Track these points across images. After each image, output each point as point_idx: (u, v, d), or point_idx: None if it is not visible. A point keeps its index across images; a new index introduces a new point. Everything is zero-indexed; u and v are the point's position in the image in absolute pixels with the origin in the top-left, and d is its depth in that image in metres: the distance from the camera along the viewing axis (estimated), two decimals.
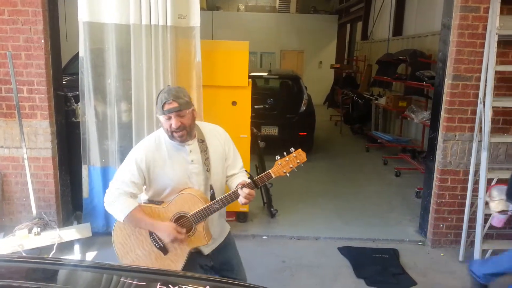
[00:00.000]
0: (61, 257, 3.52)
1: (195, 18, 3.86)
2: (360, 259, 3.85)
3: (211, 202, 2.10)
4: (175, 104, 2.02)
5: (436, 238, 4.17)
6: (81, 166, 4.04)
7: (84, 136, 3.97)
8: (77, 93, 4.02)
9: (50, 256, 3.55)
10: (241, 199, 2.05)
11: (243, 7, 15.49)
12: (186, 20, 3.84)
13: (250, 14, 15.03)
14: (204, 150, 2.16)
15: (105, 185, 4.01)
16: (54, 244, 3.61)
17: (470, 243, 3.91)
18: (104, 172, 4.02)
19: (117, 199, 2.11)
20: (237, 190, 2.07)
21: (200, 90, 3.95)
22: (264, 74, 8.50)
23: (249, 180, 2.11)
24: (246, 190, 2.04)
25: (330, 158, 7.59)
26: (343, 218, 4.80)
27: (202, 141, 2.18)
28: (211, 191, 2.20)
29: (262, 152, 4.86)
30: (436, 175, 4.13)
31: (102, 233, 4.10)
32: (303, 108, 7.45)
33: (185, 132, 2.07)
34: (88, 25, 3.77)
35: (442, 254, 4.05)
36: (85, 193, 4.08)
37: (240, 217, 4.56)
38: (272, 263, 3.76)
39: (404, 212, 5.04)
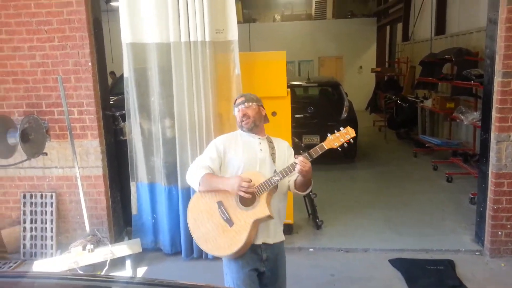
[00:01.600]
0: (113, 274, 3.63)
1: (233, 31, 3.90)
2: (413, 271, 3.67)
3: (273, 175, 2.32)
4: (242, 99, 2.52)
5: (495, 247, 3.91)
6: (130, 183, 4.17)
7: (132, 154, 4.10)
8: (123, 112, 4.17)
9: (104, 272, 3.67)
10: (297, 167, 2.24)
11: (279, 17, 15.55)
12: (224, 34, 3.90)
13: (286, 24, 15.05)
14: (271, 146, 2.50)
15: (153, 201, 4.13)
16: (107, 260, 3.72)
17: None
18: (151, 189, 4.12)
19: (195, 169, 2.42)
20: (294, 162, 2.26)
21: None
22: (303, 82, 8.45)
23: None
24: (301, 158, 2.24)
25: (376, 165, 7.37)
26: (393, 228, 4.62)
27: (270, 142, 2.54)
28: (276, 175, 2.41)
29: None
30: (491, 179, 3.89)
31: (151, 249, 4.19)
32: (344, 115, 7.32)
33: (249, 120, 2.46)
34: (131, 46, 3.91)
35: (503, 265, 3.79)
36: (134, 210, 4.20)
37: (285, 229, 4.47)
38: (320, 277, 3.67)
39: (459, 219, 4.78)
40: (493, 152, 3.83)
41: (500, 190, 3.85)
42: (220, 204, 2.36)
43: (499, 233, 3.91)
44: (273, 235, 2.46)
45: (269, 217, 2.30)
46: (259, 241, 2.39)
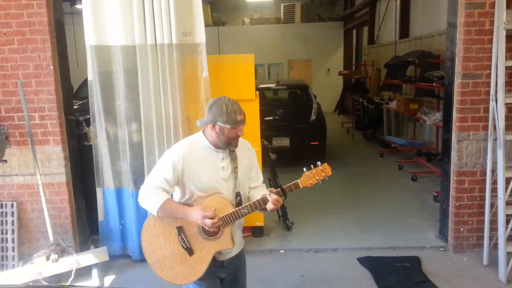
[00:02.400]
0: (79, 284, 3.52)
1: (200, 34, 3.88)
2: (381, 269, 3.76)
3: (241, 207, 2.21)
4: (243, 116, 2.22)
5: (458, 243, 4.06)
6: (95, 189, 4.05)
7: (97, 159, 4.00)
8: (88, 116, 4.06)
9: (69, 282, 3.55)
10: (270, 205, 2.16)
11: (248, 20, 15.60)
12: (191, 37, 3.87)
13: (255, 27, 15.12)
14: (234, 159, 2.29)
15: (120, 207, 4.04)
16: (72, 270, 3.60)
17: (494, 246, 3.79)
18: (118, 194, 4.04)
19: (151, 192, 2.21)
20: (265, 196, 2.18)
21: None
22: (272, 85, 8.50)
23: (275, 190, 2.22)
24: (274, 196, 2.16)
25: (344, 166, 7.50)
26: (361, 227, 4.71)
27: (232, 151, 2.31)
28: (238, 198, 2.30)
29: (274, 164, 4.83)
30: (453, 177, 4.04)
31: (120, 256, 4.09)
32: (313, 117, 7.41)
33: (238, 140, 2.25)
34: (95, 48, 3.82)
35: (465, 259, 3.93)
36: (100, 216, 4.10)
37: (256, 232, 4.51)
38: (291, 278, 3.69)
39: (424, 217, 4.93)
40: (454, 151, 3.98)
41: (462, 188, 3.99)
42: (180, 230, 2.23)
43: (461, 229, 4.05)
44: (237, 245, 2.36)
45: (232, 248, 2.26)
46: (220, 258, 2.32)
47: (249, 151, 2.41)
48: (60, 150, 3.92)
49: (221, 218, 2.18)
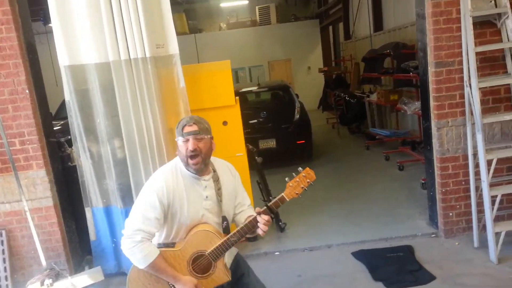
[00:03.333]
0: None
1: (173, 45, 3.87)
2: (375, 261, 3.79)
3: (229, 235, 2.09)
4: (195, 127, 2.05)
5: (448, 228, 4.12)
6: (84, 209, 4.01)
7: (83, 179, 3.96)
8: (69, 137, 4.02)
9: None
10: (261, 226, 2.04)
11: (225, 25, 15.64)
12: (164, 48, 3.86)
13: (232, 32, 15.16)
14: (216, 180, 2.17)
15: (111, 224, 4.01)
16: None
17: (483, 228, 3.85)
18: (107, 212, 4.00)
19: (138, 246, 2.01)
20: (254, 218, 2.06)
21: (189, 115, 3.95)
22: (254, 88, 8.54)
23: (262, 209, 2.10)
24: (265, 217, 2.04)
25: (332, 161, 7.57)
26: (353, 221, 4.75)
27: (214, 172, 2.19)
28: (225, 222, 2.19)
29: (261, 167, 4.84)
30: (437, 164, 4.10)
31: (115, 274, 4.05)
32: (296, 116, 7.46)
33: (200, 159, 2.06)
34: (69, 68, 3.78)
35: (457, 243, 3.99)
36: (92, 236, 4.05)
37: (250, 238, 4.51)
38: (288, 279, 3.70)
39: (413, 205, 4.99)
40: (435, 139, 4.04)
41: (446, 174, 4.05)
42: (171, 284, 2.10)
43: (450, 214, 4.11)
44: (228, 258, 2.30)
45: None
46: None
47: (232, 175, 2.30)
48: (44, 173, 3.88)
49: (209, 253, 2.08)
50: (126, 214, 3.92)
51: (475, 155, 3.84)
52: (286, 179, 2.14)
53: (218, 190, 2.16)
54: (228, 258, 2.28)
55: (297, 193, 2.12)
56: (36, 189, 3.89)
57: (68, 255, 4.07)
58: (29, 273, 3.95)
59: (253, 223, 2.06)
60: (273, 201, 2.11)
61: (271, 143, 7.22)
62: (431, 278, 3.45)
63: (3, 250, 3.91)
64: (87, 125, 3.89)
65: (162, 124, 3.84)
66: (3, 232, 3.91)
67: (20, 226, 3.95)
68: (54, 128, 4.89)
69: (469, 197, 3.97)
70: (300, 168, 2.15)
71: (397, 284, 3.41)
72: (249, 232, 2.10)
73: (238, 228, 2.10)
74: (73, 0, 3.66)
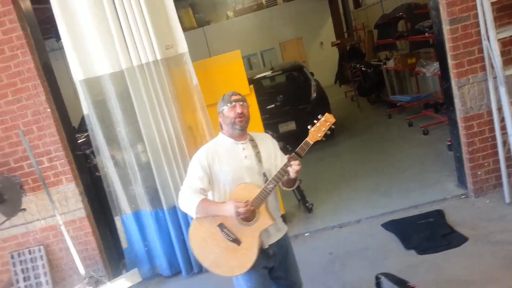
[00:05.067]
0: None
1: (182, 44, 3.91)
2: (406, 229, 3.78)
3: (266, 183, 2.31)
4: (239, 96, 2.45)
5: (478, 187, 4.05)
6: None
7: (109, 189, 4.07)
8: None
9: None
10: (292, 172, 2.26)
11: (232, 13, 15.54)
12: (174, 49, 3.91)
13: (240, 18, 15.05)
14: (254, 146, 2.45)
15: (142, 229, 4.12)
16: None
17: None
18: (137, 217, 4.11)
19: (187, 195, 2.40)
20: (285, 164, 2.27)
21: (205, 111, 4.00)
22: (268, 73, 8.49)
23: (290, 156, 2.29)
24: (294, 162, 2.26)
25: (355, 135, 7.49)
26: (382, 193, 4.73)
27: (252, 140, 2.49)
28: (265, 178, 2.41)
29: (282, 152, 4.85)
30: (461, 124, 4.01)
31: (151, 277, 4.19)
32: (314, 95, 7.41)
33: (244, 119, 2.40)
34: (84, 82, 3.88)
35: (488, 202, 3.92)
36: (124, 243, 4.17)
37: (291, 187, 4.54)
38: (321, 258, 3.76)
39: (441, 168, 4.91)
40: (457, 98, 3.94)
41: (471, 133, 3.97)
42: (222, 226, 2.35)
43: (479, 173, 4.04)
44: (275, 232, 2.48)
45: (274, 224, 2.36)
46: (265, 245, 2.41)
47: (270, 140, 2.58)
48: (74, 186, 4.05)
49: (252, 201, 2.29)
50: (156, 216, 4.05)
51: (499, 109, 3.74)
52: (308, 126, 2.30)
53: (257, 153, 2.43)
54: (275, 213, 2.46)
55: (319, 136, 2.27)
56: (68, 202, 4.07)
57: (105, 262, 4.25)
58: (70, 284, 4.15)
59: (284, 169, 2.28)
60: (299, 146, 2.29)
61: (291, 126, 7.21)
62: (463, 240, 3.43)
63: (43, 264, 4.12)
64: (108, 135, 4.00)
65: (180, 123, 3.92)
66: (42, 248, 4.13)
67: (56, 240, 4.15)
68: (79, 141, 5.09)
69: (496, 153, 3.88)
70: (319, 115, 2.31)
71: (430, 250, 3.40)
72: (282, 178, 2.29)
73: (273, 176, 2.31)
74: (81, 15, 3.75)
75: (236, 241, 2.33)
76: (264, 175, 2.41)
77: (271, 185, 2.28)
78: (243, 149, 2.43)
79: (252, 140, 2.48)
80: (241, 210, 2.24)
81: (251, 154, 2.42)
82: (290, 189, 2.51)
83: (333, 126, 2.29)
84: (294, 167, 2.25)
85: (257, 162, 2.41)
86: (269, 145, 2.53)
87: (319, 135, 2.27)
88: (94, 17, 3.73)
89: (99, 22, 3.74)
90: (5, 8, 3.78)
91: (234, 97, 2.43)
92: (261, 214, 2.31)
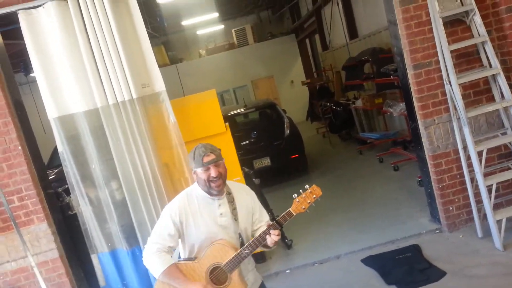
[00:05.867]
0: None
1: (159, 83, 3.92)
2: (385, 265, 3.83)
3: (241, 249, 2.25)
4: (213, 156, 2.26)
5: (451, 222, 4.18)
6: (90, 255, 4.00)
7: (85, 227, 3.94)
8: (66, 186, 4.04)
9: None
10: (270, 240, 2.21)
11: (204, 52, 15.86)
12: (150, 87, 3.91)
13: (212, 57, 15.36)
14: (231, 201, 2.34)
15: (118, 267, 4.00)
16: None
17: (484, 217, 3.91)
18: (113, 256, 3.98)
19: (154, 254, 2.26)
20: (264, 232, 2.23)
21: (184, 148, 3.99)
22: (241, 110, 8.62)
23: (271, 223, 2.27)
24: (274, 231, 2.21)
25: (328, 171, 7.63)
26: (358, 229, 4.78)
27: (229, 194, 2.37)
28: (240, 238, 2.35)
29: (259, 189, 4.88)
30: (429, 162, 4.18)
31: None
32: (287, 131, 7.56)
33: (221, 181, 2.27)
34: (58, 119, 3.81)
35: (461, 236, 4.05)
36: (101, 282, 4.03)
37: (258, 258, 4.51)
38: None
39: (413, 204, 5.05)
40: (425, 138, 4.13)
41: (440, 170, 4.13)
42: None
43: (450, 208, 4.18)
44: (252, 284, 2.42)
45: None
46: None
47: (248, 193, 2.47)
48: (46, 226, 3.87)
49: (224, 265, 2.22)
50: (133, 255, 3.93)
51: (465, 148, 3.93)
52: (294, 195, 2.29)
53: (233, 210, 2.33)
54: (249, 275, 2.40)
55: (304, 208, 2.28)
56: (40, 243, 3.88)
57: None
58: None
59: (263, 236, 2.22)
60: (281, 215, 2.28)
61: (266, 162, 7.28)
62: (442, 274, 3.50)
63: None
64: (82, 172, 3.91)
65: (156, 160, 3.89)
66: None
67: (28, 282, 3.92)
68: (49, 177, 4.91)
69: (466, 189, 4.05)
70: (306, 186, 2.31)
71: (410, 285, 3.45)
72: (259, 245, 2.24)
73: (249, 241, 2.25)
74: (55, 53, 3.73)
75: None
76: (240, 235, 2.35)
77: (247, 251, 2.23)
78: (219, 205, 2.32)
79: (229, 193, 2.37)
80: None
81: (227, 212, 2.32)
82: (267, 249, 2.42)
83: (319, 199, 2.29)
84: (273, 237, 2.21)
85: (233, 221, 2.32)
86: (247, 200, 2.42)
87: (303, 207, 2.27)
88: (69, 55, 3.71)
89: (74, 61, 3.72)
90: None
91: (206, 159, 2.23)
92: (232, 279, 2.25)
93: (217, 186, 2.26)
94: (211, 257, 2.25)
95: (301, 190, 2.29)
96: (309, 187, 2.30)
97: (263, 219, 2.46)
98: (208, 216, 2.30)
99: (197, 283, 2.21)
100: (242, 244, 2.33)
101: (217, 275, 2.26)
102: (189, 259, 2.33)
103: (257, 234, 2.38)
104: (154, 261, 2.24)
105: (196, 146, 2.33)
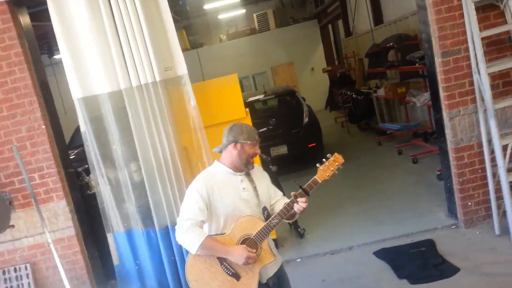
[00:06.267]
0: None
1: (181, 66, 3.94)
2: (398, 258, 3.80)
3: (270, 218, 2.32)
4: (259, 139, 2.42)
5: (468, 218, 4.10)
6: (106, 235, 4.09)
7: (102, 205, 4.03)
8: (86, 166, 4.13)
9: None
10: (298, 207, 2.29)
11: (225, 37, 15.77)
12: (173, 70, 3.94)
13: (233, 42, 15.27)
14: (251, 181, 2.43)
15: (133, 248, 4.08)
16: None
17: (503, 214, 3.83)
18: (129, 236, 4.07)
19: (188, 230, 2.29)
20: (292, 200, 2.30)
21: (203, 132, 4.02)
22: (261, 96, 8.59)
23: (296, 193, 2.32)
24: (301, 198, 2.29)
25: (345, 161, 7.48)
26: (372, 220, 4.75)
27: (248, 175, 2.45)
28: (266, 212, 2.41)
29: (276, 176, 4.87)
30: (451, 155, 4.09)
31: None
32: (305, 119, 7.50)
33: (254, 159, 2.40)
34: (83, 100, 3.88)
35: (478, 233, 3.98)
36: (115, 260, 4.12)
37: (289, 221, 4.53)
38: (313, 285, 3.74)
39: (431, 198, 4.97)
40: (448, 129, 4.03)
41: (462, 163, 4.04)
42: (221, 259, 2.31)
43: (469, 203, 4.10)
44: (273, 265, 2.46)
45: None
46: (264, 280, 2.40)
47: (263, 173, 2.58)
48: (65, 204, 3.99)
49: (255, 235, 2.29)
50: (147, 236, 4.01)
51: (489, 141, 3.83)
52: (317, 164, 2.35)
53: (255, 188, 2.41)
54: (274, 266, 2.46)
55: (328, 175, 2.33)
56: (57, 220, 4.00)
57: (92, 282, 4.16)
58: None
59: (290, 205, 2.30)
60: (306, 184, 2.33)
61: (283, 150, 7.27)
62: (455, 270, 3.46)
63: (28, 283, 4.02)
64: (103, 152, 3.98)
65: (176, 143, 3.93)
66: (28, 266, 4.03)
67: (44, 258, 4.07)
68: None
69: (486, 184, 3.96)
70: (329, 155, 2.37)
71: (423, 280, 3.41)
72: (287, 214, 2.31)
73: (278, 211, 2.32)
74: (82, 35, 3.78)
75: (236, 275, 2.30)
76: (264, 209, 2.41)
77: (275, 221, 2.30)
78: (241, 181, 2.40)
79: (248, 174, 2.45)
80: (252, 260, 2.24)
81: (249, 187, 2.41)
82: (290, 221, 2.50)
83: (341, 167, 2.35)
84: (301, 204, 2.28)
85: (255, 196, 2.41)
86: (263, 180, 2.52)
87: (327, 174, 2.33)
88: (95, 38, 3.76)
89: (100, 43, 3.77)
90: (5, 25, 3.81)
91: (258, 136, 2.41)
92: (263, 250, 2.31)
93: (253, 163, 2.39)
94: (241, 229, 2.31)
95: (324, 159, 2.35)
96: (331, 155, 2.36)
97: (277, 194, 2.57)
98: (232, 190, 2.37)
99: (239, 246, 2.27)
100: (267, 217, 2.40)
101: (248, 245, 2.32)
102: (218, 234, 2.38)
103: (277, 206, 2.49)
104: (189, 236, 2.28)
105: (238, 123, 2.45)
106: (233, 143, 2.35)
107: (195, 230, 2.29)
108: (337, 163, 2.35)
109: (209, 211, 2.36)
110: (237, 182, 2.39)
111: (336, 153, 2.37)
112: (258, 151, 2.38)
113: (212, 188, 2.34)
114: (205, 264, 2.33)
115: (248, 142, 2.35)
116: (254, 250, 2.28)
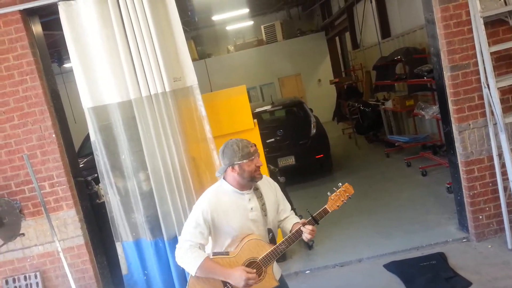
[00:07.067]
0: None
1: (191, 77, 3.97)
2: (408, 271, 3.75)
3: (278, 244, 2.30)
4: (255, 147, 2.36)
5: (479, 231, 4.05)
6: (115, 244, 4.09)
7: (111, 214, 4.04)
8: (96, 175, 4.14)
9: None
10: (306, 236, 2.29)
11: (232, 48, 15.90)
12: (182, 81, 3.96)
13: (240, 53, 15.39)
14: (259, 197, 2.38)
15: (141, 258, 4.07)
16: None
17: None
18: (137, 245, 4.06)
19: (187, 251, 2.26)
20: (299, 228, 2.30)
21: (212, 142, 4.03)
22: (268, 107, 8.61)
23: (307, 220, 2.33)
24: (309, 227, 2.29)
25: (353, 172, 7.53)
26: (382, 233, 4.71)
27: (256, 189, 2.40)
28: (270, 234, 2.40)
29: (285, 187, 4.86)
30: (462, 168, 4.06)
31: None
32: (313, 131, 7.50)
33: (260, 171, 2.34)
34: (93, 110, 3.91)
35: (489, 246, 3.92)
36: (123, 270, 4.11)
37: (279, 257, 4.51)
38: None
39: (441, 211, 4.92)
40: (458, 143, 4.01)
41: (472, 177, 4.01)
42: (225, 282, 2.28)
43: (480, 217, 4.05)
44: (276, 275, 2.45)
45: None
46: None
47: (271, 185, 2.51)
48: (74, 213, 4.00)
49: (261, 259, 2.28)
50: (156, 246, 3.99)
51: (500, 155, 3.80)
52: (328, 193, 2.39)
53: (263, 205, 2.37)
54: (276, 273, 2.43)
55: (338, 206, 2.38)
56: (67, 229, 4.01)
57: None
58: None
59: (299, 233, 2.30)
60: (317, 212, 2.34)
61: (290, 160, 7.25)
62: (467, 284, 3.41)
63: None
64: (112, 161, 3.99)
65: (185, 153, 3.93)
66: (38, 274, 4.03)
67: (53, 267, 4.07)
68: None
69: (498, 198, 3.92)
70: (340, 183, 2.41)
71: None
72: (295, 240, 2.32)
73: (286, 237, 2.31)
74: (92, 45, 3.82)
75: None
76: (269, 231, 2.39)
77: (283, 246, 2.30)
78: (249, 200, 2.35)
79: (256, 189, 2.39)
80: (252, 281, 2.21)
81: (257, 206, 2.36)
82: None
83: (350, 197, 2.39)
84: (309, 233, 2.27)
85: (262, 216, 2.36)
86: (272, 192, 2.47)
87: (337, 204, 2.38)
88: (106, 47, 3.79)
89: (110, 53, 3.81)
90: (17, 34, 3.85)
91: (252, 149, 2.30)
92: (267, 274, 2.31)
93: (259, 175, 2.32)
94: (247, 252, 2.29)
95: (334, 188, 2.39)
96: (342, 185, 2.40)
97: (287, 209, 2.54)
98: (239, 211, 2.33)
99: (238, 268, 2.24)
100: (272, 239, 2.39)
101: (253, 268, 2.30)
102: (221, 253, 2.35)
103: (285, 225, 2.47)
104: (188, 257, 2.24)
105: (228, 142, 2.34)
106: (230, 167, 2.30)
107: (194, 251, 2.25)
108: (347, 194, 2.39)
109: (213, 232, 2.33)
110: (244, 202, 2.34)
111: (346, 183, 2.41)
112: (259, 163, 2.30)
113: (217, 212, 2.30)
114: (208, 285, 2.30)
115: (243, 161, 2.27)
116: (254, 270, 2.25)
